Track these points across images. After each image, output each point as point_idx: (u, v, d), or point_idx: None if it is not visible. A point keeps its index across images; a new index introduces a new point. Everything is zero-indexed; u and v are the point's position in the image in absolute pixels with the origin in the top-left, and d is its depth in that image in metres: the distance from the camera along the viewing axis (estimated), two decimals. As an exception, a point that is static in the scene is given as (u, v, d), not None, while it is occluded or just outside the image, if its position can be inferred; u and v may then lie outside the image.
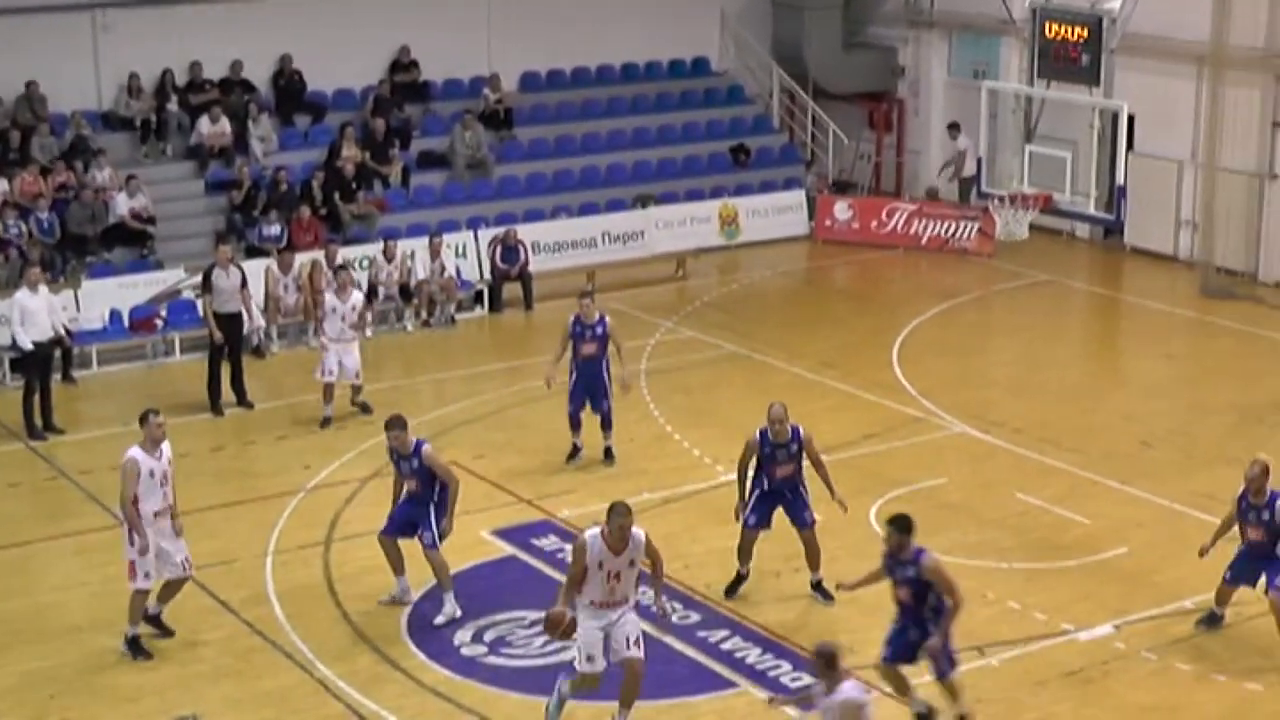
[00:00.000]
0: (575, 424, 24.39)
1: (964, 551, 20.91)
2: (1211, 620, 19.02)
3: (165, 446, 18.59)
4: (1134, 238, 36.65)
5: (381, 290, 31.29)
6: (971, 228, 37.25)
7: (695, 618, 19.59)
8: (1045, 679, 18.15)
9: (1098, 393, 28.35)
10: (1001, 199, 37.19)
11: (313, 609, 19.77)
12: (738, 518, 19.89)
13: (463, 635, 19.11)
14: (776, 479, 19.68)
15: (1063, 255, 37.04)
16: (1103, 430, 25.82)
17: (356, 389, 26.64)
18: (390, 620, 19.29)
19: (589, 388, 24.07)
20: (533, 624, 19.05)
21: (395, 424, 19.82)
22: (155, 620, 19.02)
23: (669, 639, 19.06)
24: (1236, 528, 18.70)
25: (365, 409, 26.54)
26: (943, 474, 23.77)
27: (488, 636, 19.10)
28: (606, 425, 24.34)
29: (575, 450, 24.48)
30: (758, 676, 18.21)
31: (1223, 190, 33.85)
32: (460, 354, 30.48)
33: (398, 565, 19.98)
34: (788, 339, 30.65)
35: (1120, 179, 36.36)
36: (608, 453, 24.43)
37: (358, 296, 26.97)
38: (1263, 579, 18.35)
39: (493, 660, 18.61)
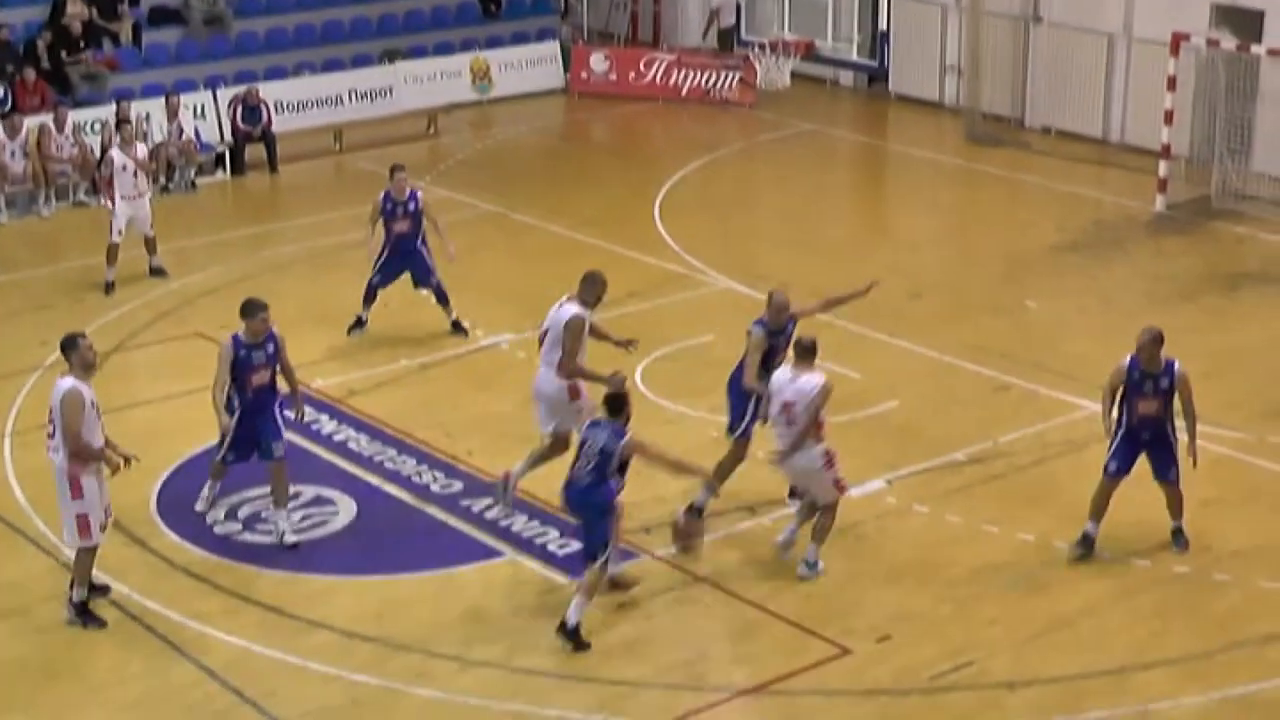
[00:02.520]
0: (370, 297, 24.16)
1: (733, 410, 21.19)
2: (1086, 543, 18.01)
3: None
4: (898, 85, 37.11)
5: (116, 155, 30.86)
6: (732, 77, 37.43)
7: (458, 486, 19.68)
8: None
9: (865, 245, 28.75)
10: (762, 47, 37.53)
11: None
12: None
13: (216, 513, 18.98)
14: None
15: (826, 104, 37.43)
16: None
17: (151, 242, 26.59)
18: (138, 501, 19.03)
19: (406, 265, 23.91)
20: (290, 497, 18.93)
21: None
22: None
23: (432, 509, 19.15)
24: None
25: (160, 272, 26.66)
26: (709, 331, 23.94)
27: (242, 513, 19.01)
28: (443, 300, 24.08)
29: (359, 322, 24.25)
30: (524, 544, 18.38)
31: (988, 35, 34.32)
32: (202, 220, 30.10)
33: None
34: (546, 197, 30.68)
35: (884, 24, 36.89)
36: (456, 325, 24.20)
37: (142, 149, 27.00)
38: (1150, 466, 17.90)
39: (248, 537, 18.55)
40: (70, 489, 16.34)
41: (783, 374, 17.89)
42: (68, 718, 15.63)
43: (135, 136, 27.07)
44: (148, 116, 31.50)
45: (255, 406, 18.37)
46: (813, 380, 17.62)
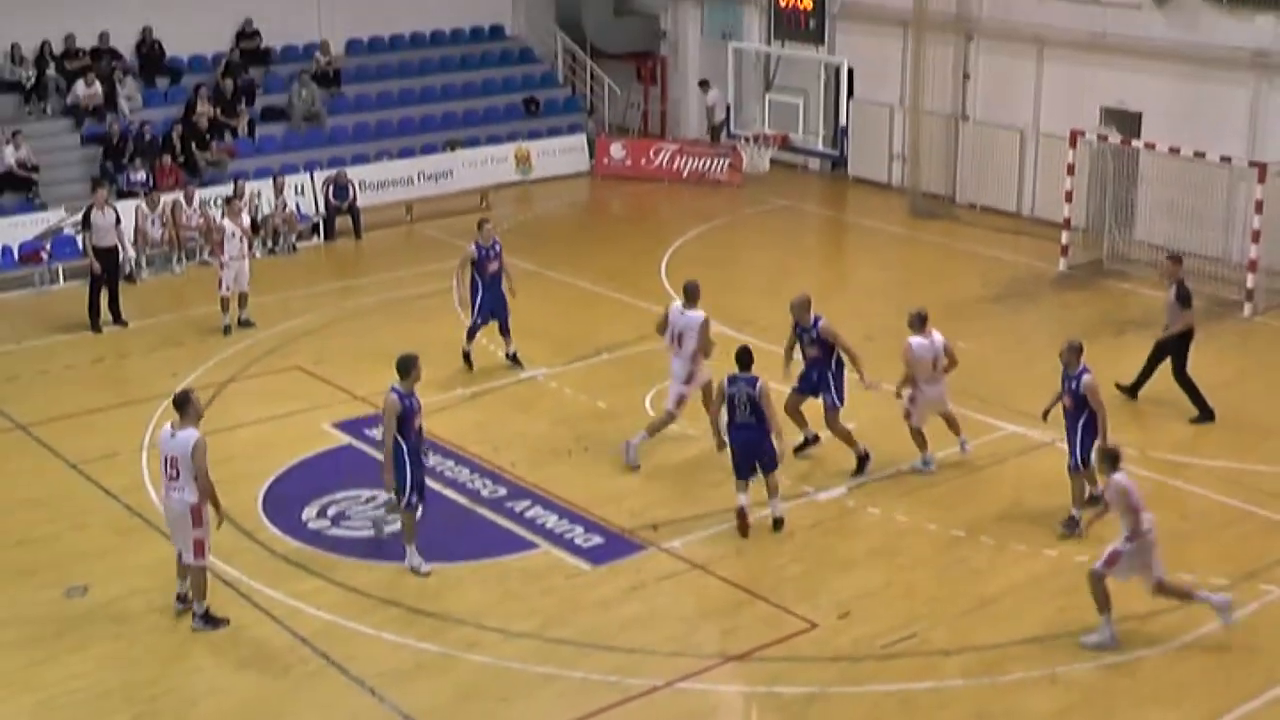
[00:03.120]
0: (472, 334, 23.73)
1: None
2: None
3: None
4: (855, 169, 36.90)
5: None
6: (723, 163, 37.25)
7: (503, 491, 19.45)
8: (792, 531, 18.32)
9: (828, 296, 28.16)
10: (747, 139, 37.41)
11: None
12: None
13: (309, 511, 18.82)
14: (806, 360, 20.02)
15: (798, 184, 37.17)
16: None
17: (244, 297, 26.19)
18: (248, 501, 18.87)
19: (496, 301, 23.42)
20: (367, 500, 18.84)
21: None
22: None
23: (482, 510, 18.93)
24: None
25: (247, 324, 26.18)
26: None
27: (330, 512, 18.84)
28: (505, 332, 23.66)
29: (467, 357, 23.80)
30: (555, 538, 18.17)
31: (926, 129, 34.11)
32: (301, 276, 29.87)
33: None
34: (574, 258, 30.46)
35: (843, 121, 36.73)
36: (513, 358, 23.82)
37: (246, 219, 26.96)
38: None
39: (334, 532, 18.37)
40: (194, 519, 15.95)
41: (920, 342, 19.43)
42: (185, 672, 15.49)
43: (240, 209, 26.90)
44: (259, 193, 31.40)
45: (418, 448, 17.19)
46: (938, 338, 19.56)
